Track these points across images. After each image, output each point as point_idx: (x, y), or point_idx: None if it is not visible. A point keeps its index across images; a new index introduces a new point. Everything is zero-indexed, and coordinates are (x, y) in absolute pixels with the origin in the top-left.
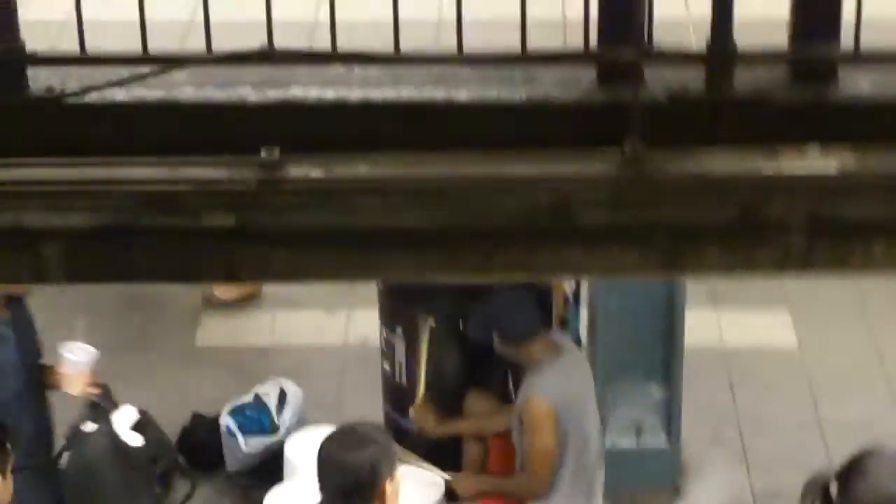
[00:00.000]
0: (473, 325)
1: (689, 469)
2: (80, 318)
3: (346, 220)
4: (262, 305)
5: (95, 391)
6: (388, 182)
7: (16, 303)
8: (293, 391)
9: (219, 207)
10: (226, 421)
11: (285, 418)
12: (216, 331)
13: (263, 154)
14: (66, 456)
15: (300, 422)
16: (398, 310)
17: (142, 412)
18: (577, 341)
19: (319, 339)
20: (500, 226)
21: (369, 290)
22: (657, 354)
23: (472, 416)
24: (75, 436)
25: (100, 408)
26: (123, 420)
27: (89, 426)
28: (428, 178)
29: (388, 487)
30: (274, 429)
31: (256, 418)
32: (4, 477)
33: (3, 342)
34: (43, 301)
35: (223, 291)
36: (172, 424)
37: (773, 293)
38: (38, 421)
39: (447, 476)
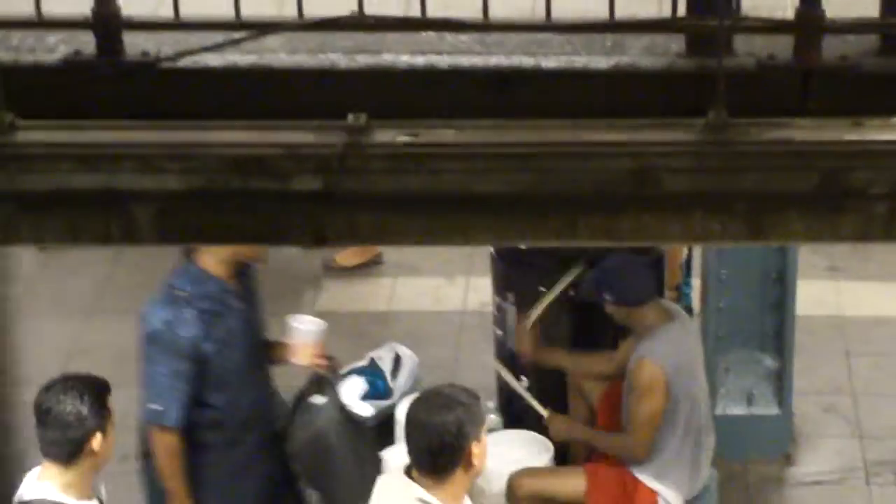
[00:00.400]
0: (587, 286)
1: (800, 437)
2: None
3: (431, 184)
4: (382, 272)
5: (324, 363)
6: (473, 148)
7: (245, 272)
8: (408, 356)
9: (306, 171)
10: (343, 386)
11: (400, 382)
12: (336, 296)
13: (350, 119)
14: (294, 429)
15: (415, 386)
16: (510, 276)
17: None
18: (689, 309)
19: (438, 306)
20: (582, 192)
21: (487, 257)
22: (769, 323)
23: (574, 384)
24: (304, 408)
25: (327, 380)
26: (351, 391)
27: (318, 398)
28: (512, 144)
29: (475, 449)
30: (388, 393)
31: (371, 382)
32: (106, 435)
33: (231, 312)
34: (147, 260)
35: (344, 257)
36: (290, 388)
37: (892, 265)
38: (260, 394)
39: (545, 412)
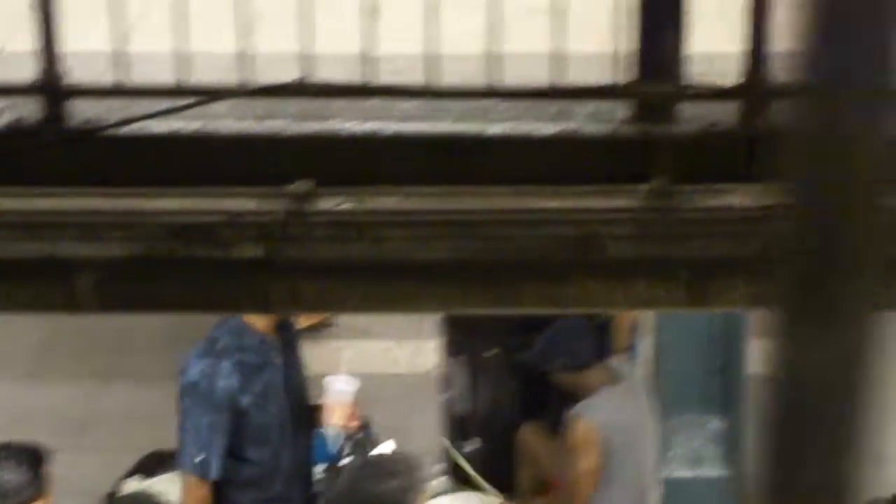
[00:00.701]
0: (532, 356)
1: (750, 500)
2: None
3: (374, 252)
4: (332, 334)
5: (357, 423)
6: (416, 215)
7: (286, 327)
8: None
9: (248, 238)
10: None
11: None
12: None
13: (293, 186)
14: (327, 491)
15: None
16: (459, 340)
17: None
18: (640, 371)
19: (387, 368)
20: (527, 259)
21: (436, 320)
22: (717, 386)
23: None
24: (336, 470)
25: (360, 441)
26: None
27: (349, 460)
28: (456, 210)
29: None
30: (337, 457)
31: (320, 446)
32: (46, 502)
33: (271, 367)
34: (89, 324)
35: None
36: None
37: None
38: (298, 454)
39: (500, 499)
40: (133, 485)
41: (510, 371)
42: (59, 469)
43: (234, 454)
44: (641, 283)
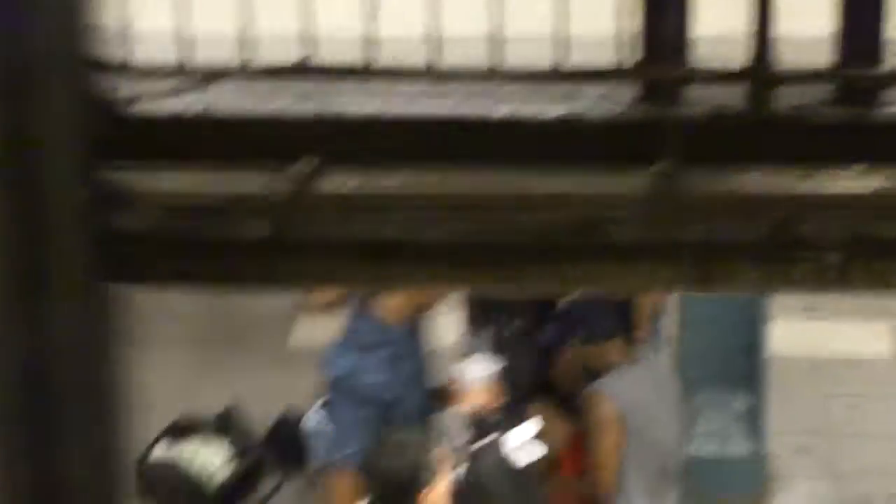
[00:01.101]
0: (552, 328)
1: (774, 478)
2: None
3: (380, 230)
4: None
5: (492, 406)
6: (421, 195)
7: (416, 319)
8: None
9: (254, 217)
10: (310, 420)
11: None
12: (309, 333)
13: (299, 165)
14: (458, 472)
15: None
16: (479, 316)
17: (230, 408)
18: (660, 350)
19: None
20: (532, 241)
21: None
22: (741, 364)
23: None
24: (469, 453)
25: (494, 424)
26: (517, 437)
27: (483, 442)
28: (460, 192)
29: (427, 497)
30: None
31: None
32: None
33: (408, 358)
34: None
35: (318, 295)
36: (261, 422)
37: (869, 305)
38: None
39: None
40: (161, 450)
41: (530, 347)
42: None
43: None
44: (646, 265)
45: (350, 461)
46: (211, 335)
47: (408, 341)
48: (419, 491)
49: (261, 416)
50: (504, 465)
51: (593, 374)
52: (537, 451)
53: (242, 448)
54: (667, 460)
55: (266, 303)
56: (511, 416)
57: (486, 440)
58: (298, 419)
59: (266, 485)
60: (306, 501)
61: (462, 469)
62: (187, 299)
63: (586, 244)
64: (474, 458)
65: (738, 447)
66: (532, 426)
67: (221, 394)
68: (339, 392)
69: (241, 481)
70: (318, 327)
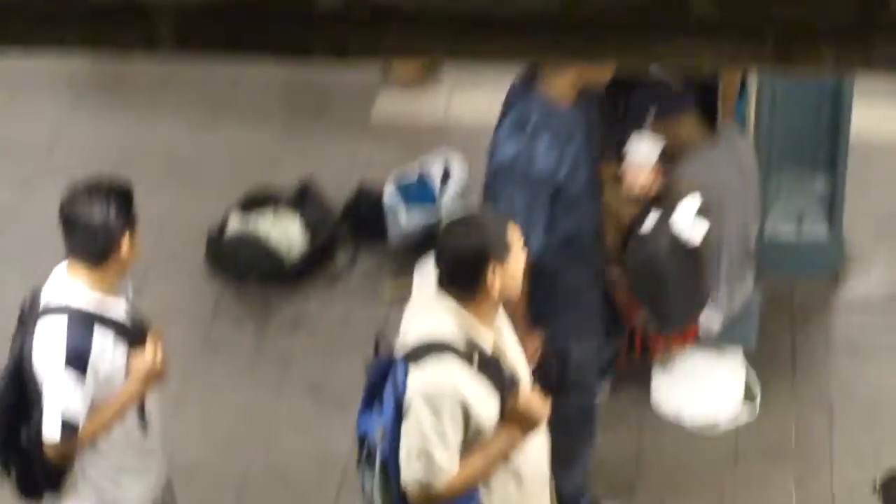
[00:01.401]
0: (634, 101)
1: (850, 260)
2: (256, 84)
3: (458, 3)
4: (440, 83)
5: (658, 185)
6: None
7: (584, 95)
8: (458, 167)
9: None
10: (389, 193)
11: (448, 193)
12: (391, 107)
13: None
14: (630, 257)
15: (463, 198)
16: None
17: (308, 182)
18: (742, 128)
19: (494, 120)
20: (611, 13)
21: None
22: (822, 145)
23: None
24: (639, 235)
25: (661, 202)
26: (685, 213)
27: (650, 222)
28: None
29: (496, 275)
30: (436, 205)
31: (419, 192)
32: (133, 238)
33: (577, 137)
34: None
35: (401, 69)
36: (339, 196)
37: None
38: (600, 216)
39: None
40: (235, 222)
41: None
42: (168, 203)
43: (547, 226)
44: (728, 41)
45: (528, 245)
46: (293, 106)
47: (576, 121)
48: (483, 273)
49: (340, 190)
50: (676, 243)
51: (669, 155)
52: (704, 228)
53: (318, 221)
54: (745, 241)
55: (350, 76)
56: (673, 195)
57: (655, 221)
58: (377, 193)
59: (342, 258)
60: (381, 275)
61: (634, 252)
62: (269, 70)
63: (667, 17)
64: (645, 240)
65: (816, 229)
66: (694, 202)
67: (301, 166)
68: (509, 177)
69: (316, 254)
70: (401, 102)
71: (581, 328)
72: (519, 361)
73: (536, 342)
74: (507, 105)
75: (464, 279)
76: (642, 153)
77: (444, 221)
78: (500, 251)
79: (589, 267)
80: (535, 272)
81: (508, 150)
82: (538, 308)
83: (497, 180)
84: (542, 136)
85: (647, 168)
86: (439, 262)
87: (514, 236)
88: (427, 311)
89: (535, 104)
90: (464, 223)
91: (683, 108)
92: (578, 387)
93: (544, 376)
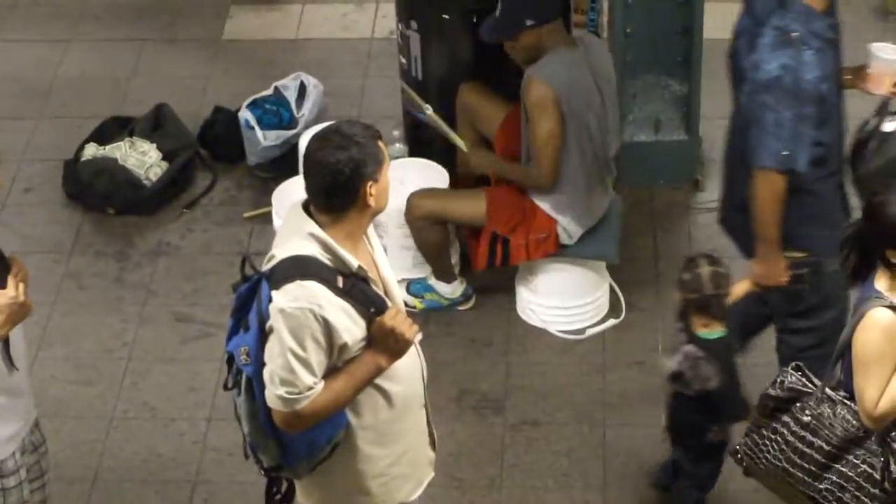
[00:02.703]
0: (495, 19)
1: (709, 163)
2: (105, 12)
3: None
4: None
5: None
6: None
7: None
8: (313, 84)
9: None
10: (244, 114)
11: (304, 112)
12: (243, 24)
13: None
14: (863, 155)
15: (320, 116)
16: (413, 4)
17: (162, 105)
18: (596, 34)
19: (345, 33)
20: None
21: None
22: (676, 48)
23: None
24: (875, 136)
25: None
26: None
27: (890, 125)
28: None
29: (371, 189)
30: (293, 122)
31: (275, 112)
32: None
33: (831, 45)
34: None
35: None
36: (194, 118)
37: None
38: (840, 127)
39: (464, 146)
40: (91, 150)
41: (465, 35)
42: (21, 135)
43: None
44: None
45: (787, 162)
46: (143, 28)
47: (831, 28)
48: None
49: (195, 112)
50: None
51: (533, 57)
52: None
53: (175, 146)
54: (604, 148)
55: None
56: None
57: (893, 123)
58: (233, 114)
59: (200, 182)
60: (241, 198)
61: (871, 150)
62: None
63: None
64: (885, 140)
65: (673, 133)
66: None
67: (154, 90)
68: (775, 93)
69: (175, 179)
70: (253, 17)
71: (833, 244)
72: (391, 282)
73: (783, 262)
74: (754, 20)
75: (337, 195)
76: (882, 61)
77: (304, 138)
78: (375, 165)
79: (836, 182)
80: (794, 189)
81: (773, 65)
82: (792, 226)
83: (763, 98)
84: (808, 46)
85: (887, 73)
86: (309, 179)
87: (384, 148)
88: (292, 232)
89: (795, 15)
90: (335, 135)
91: (556, 14)
92: (836, 300)
93: (795, 297)
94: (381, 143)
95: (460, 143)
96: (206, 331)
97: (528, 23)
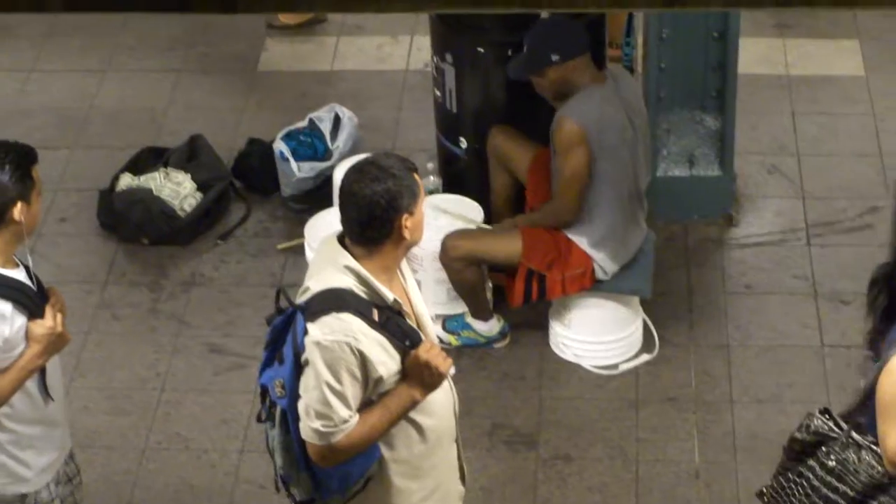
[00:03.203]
0: (515, 60)
1: (742, 198)
2: (140, 43)
3: None
4: (326, 30)
5: None
6: None
7: None
8: (348, 116)
9: None
10: (279, 146)
11: (339, 144)
12: (278, 55)
13: None
14: None
15: (354, 148)
16: (448, 37)
17: (197, 135)
18: (630, 69)
19: (381, 65)
20: None
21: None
22: (711, 83)
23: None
24: None
25: None
26: None
27: None
28: None
29: (407, 222)
30: (327, 154)
31: (310, 143)
32: (30, 204)
33: None
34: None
35: (287, 15)
36: (229, 149)
37: (842, 21)
38: None
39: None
40: (126, 181)
41: (499, 69)
42: (57, 165)
43: None
44: None
45: None
46: (179, 59)
47: None
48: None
49: (229, 143)
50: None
51: (561, 98)
52: None
53: (209, 177)
54: (639, 180)
55: (236, 25)
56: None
57: None
58: (267, 146)
59: (234, 213)
60: (274, 229)
61: None
62: (154, 22)
63: None
64: None
65: (707, 168)
66: None
67: (189, 121)
68: None
69: (209, 210)
70: (288, 48)
71: None
72: (424, 315)
73: None
74: None
75: (373, 227)
76: None
77: (338, 170)
78: (411, 197)
79: None
80: None
81: None
82: None
83: None
84: None
85: None
86: (345, 211)
87: (420, 182)
88: (327, 264)
89: None
90: (371, 167)
91: (583, 50)
92: None
93: None
94: (416, 176)
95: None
96: (240, 362)
97: (554, 58)
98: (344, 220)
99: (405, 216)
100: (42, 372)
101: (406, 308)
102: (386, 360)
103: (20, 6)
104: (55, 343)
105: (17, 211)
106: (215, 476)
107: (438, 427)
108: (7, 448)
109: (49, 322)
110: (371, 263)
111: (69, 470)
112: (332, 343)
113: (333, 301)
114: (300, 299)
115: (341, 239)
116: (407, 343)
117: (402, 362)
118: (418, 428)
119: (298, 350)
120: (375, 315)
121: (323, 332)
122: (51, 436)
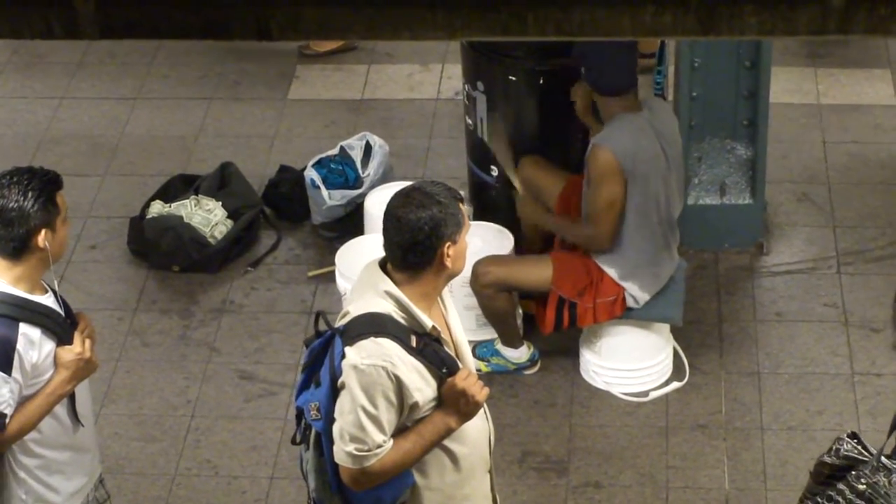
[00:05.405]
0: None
1: (773, 227)
2: (172, 70)
3: None
4: (356, 58)
5: None
6: None
7: None
8: (379, 144)
9: None
10: (310, 173)
11: (370, 172)
12: (310, 83)
13: None
14: None
15: (385, 175)
16: (479, 65)
17: (228, 163)
18: (662, 97)
19: (411, 93)
20: None
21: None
22: (742, 112)
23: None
24: None
25: None
26: None
27: None
28: None
29: (449, 251)
30: (358, 182)
31: (341, 171)
32: (55, 231)
33: None
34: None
35: (318, 43)
36: (260, 176)
37: (873, 51)
38: None
39: (519, 187)
40: (157, 208)
41: (531, 96)
42: (87, 192)
43: None
44: (648, 10)
45: None
46: (211, 87)
47: None
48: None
49: (260, 171)
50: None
51: (590, 107)
52: None
53: (240, 204)
54: (672, 208)
55: (267, 52)
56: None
57: None
58: (298, 173)
59: (265, 241)
60: (305, 256)
61: None
62: (186, 48)
63: None
64: None
65: (738, 196)
66: None
67: (220, 148)
68: None
69: (239, 238)
70: (319, 76)
71: None
72: (463, 343)
73: None
74: None
75: (415, 253)
76: None
77: (369, 198)
78: (455, 226)
79: None
80: None
81: None
82: None
83: None
84: None
85: None
86: (388, 235)
87: (464, 211)
88: (367, 289)
89: None
90: (417, 193)
91: (623, 89)
92: None
93: None
94: (462, 206)
95: (517, 182)
96: (270, 389)
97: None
98: (386, 245)
99: (448, 244)
100: (72, 397)
101: (445, 336)
102: (422, 386)
103: (56, 33)
104: (83, 369)
105: (41, 238)
106: (245, 502)
107: (472, 456)
108: (36, 473)
109: (77, 348)
110: (411, 289)
111: (99, 495)
112: (369, 367)
113: (372, 325)
114: (339, 323)
115: (383, 264)
116: (444, 370)
117: (439, 389)
118: (452, 456)
119: (335, 374)
120: (413, 341)
121: (360, 355)
122: (80, 461)
